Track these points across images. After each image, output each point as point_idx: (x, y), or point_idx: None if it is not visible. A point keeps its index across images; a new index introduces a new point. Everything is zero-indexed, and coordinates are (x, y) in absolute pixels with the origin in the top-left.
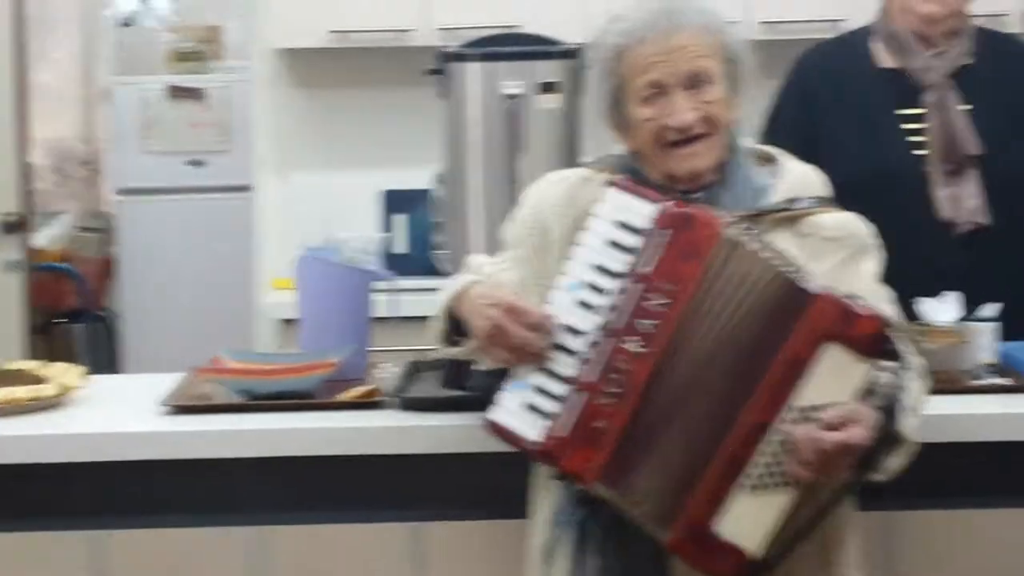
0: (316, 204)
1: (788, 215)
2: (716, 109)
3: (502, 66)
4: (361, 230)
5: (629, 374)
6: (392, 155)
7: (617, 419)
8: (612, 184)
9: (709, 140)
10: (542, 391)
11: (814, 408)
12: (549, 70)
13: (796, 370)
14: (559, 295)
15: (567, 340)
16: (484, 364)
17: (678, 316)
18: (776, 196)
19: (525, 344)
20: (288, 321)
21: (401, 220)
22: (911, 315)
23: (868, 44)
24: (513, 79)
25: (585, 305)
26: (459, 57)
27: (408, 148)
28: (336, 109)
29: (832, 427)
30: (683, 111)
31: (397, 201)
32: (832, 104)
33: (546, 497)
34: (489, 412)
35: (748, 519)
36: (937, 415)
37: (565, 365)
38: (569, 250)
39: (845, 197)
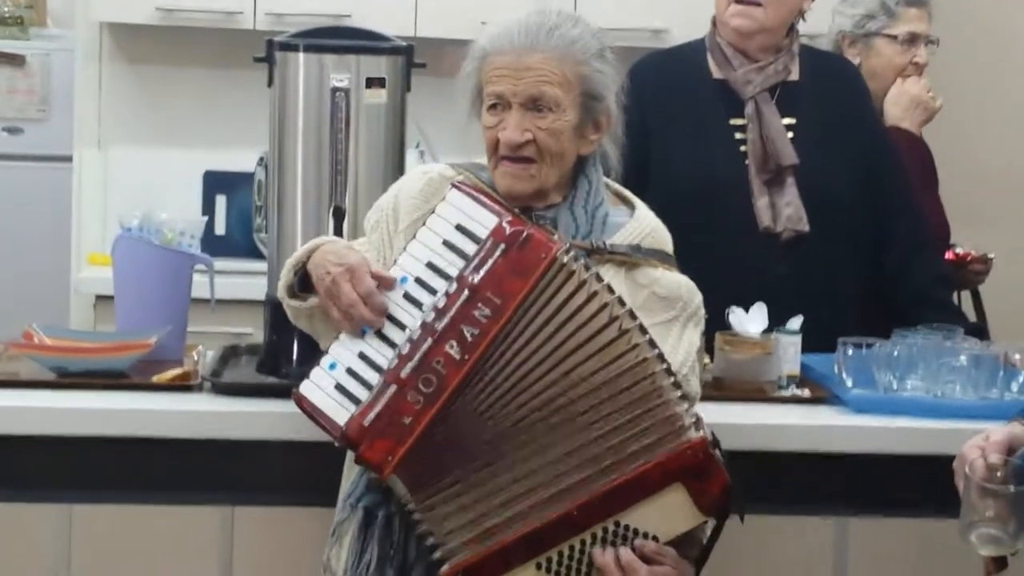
0: (136, 180)
1: (630, 260)
2: (549, 138)
3: (329, 58)
4: (181, 209)
5: (442, 377)
6: (215, 136)
7: (423, 417)
8: (455, 186)
9: (537, 166)
10: (355, 376)
11: (635, 532)
12: (377, 66)
13: (637, 493)
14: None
15: (389, 331)
16: (322, 336)
17: (498, 330)
18: (623, 237)
19: (351, 308)
20: (104, 297)
21: (222, 201)
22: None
23: (703, 56)
24: (340, 72)
25: (411, 300)
26: (286, 47)
27: (231, 130)
28: (160, 86)
29: (648, 560)
30: (514, 130)
31: (219, 182)
32: (665, 112)
33: (347, 480)
34: (302, 386)
35: None
36: (741, 424)
37: (382, 355)
38: (408, 244)
39: (675, 205)
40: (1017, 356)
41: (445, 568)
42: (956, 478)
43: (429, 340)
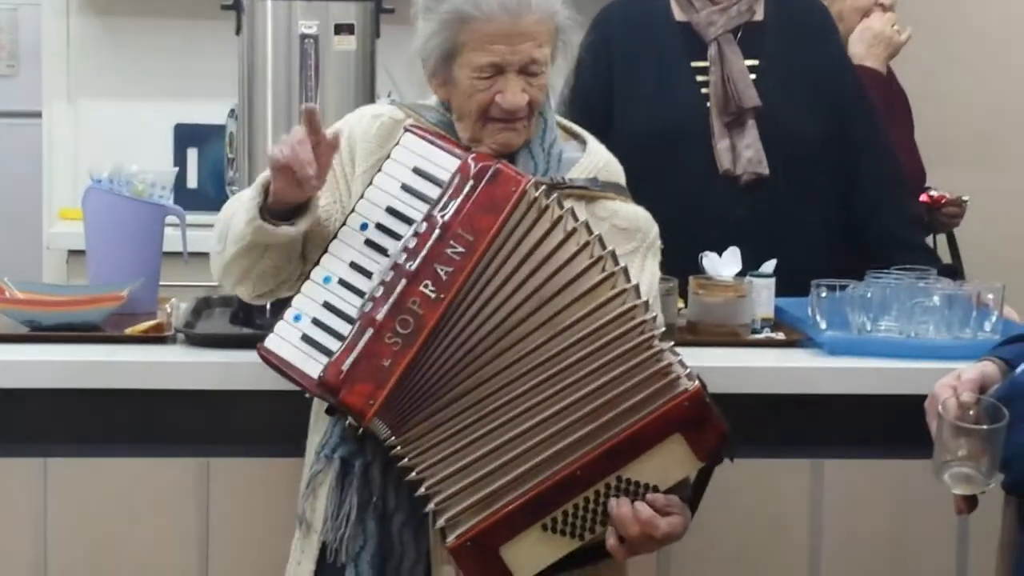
0: (106, 134)
1: (586, 193)
2: (540, 95)
3: (298, 5)
4: (153, 163)
5: (419, 317)
6: (186, 88)
7: (401, 358)
8: (408, 129)
9: (526, 120)
10: (322, 326)
11: (637, 484)
12: (345, 12)
13: (637, 447)
14: (348, 233)
15: (354, 279)
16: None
17: (471, 267)
18: (578, 172)
19: (291, 161)
20: (76, 252)
21: (194, 155)
22: (699, 269)
23: None
24: (308, 19)
25: (373, 245)
26: None
27: (202, 82)
28: (130, 38)
29: (660, 512)
30: (515, 95)
31: (189, 135)
32: (630, 55)
33: (315, 432)
34: (267, 341)
35: (531, 553)
36: (715, 367)
37: (348, 303)
38: (365, 190)
39: (638, 148)
40: (990, 296)
41: (451, 540)
42: (928, 418)
43: (403, 281)
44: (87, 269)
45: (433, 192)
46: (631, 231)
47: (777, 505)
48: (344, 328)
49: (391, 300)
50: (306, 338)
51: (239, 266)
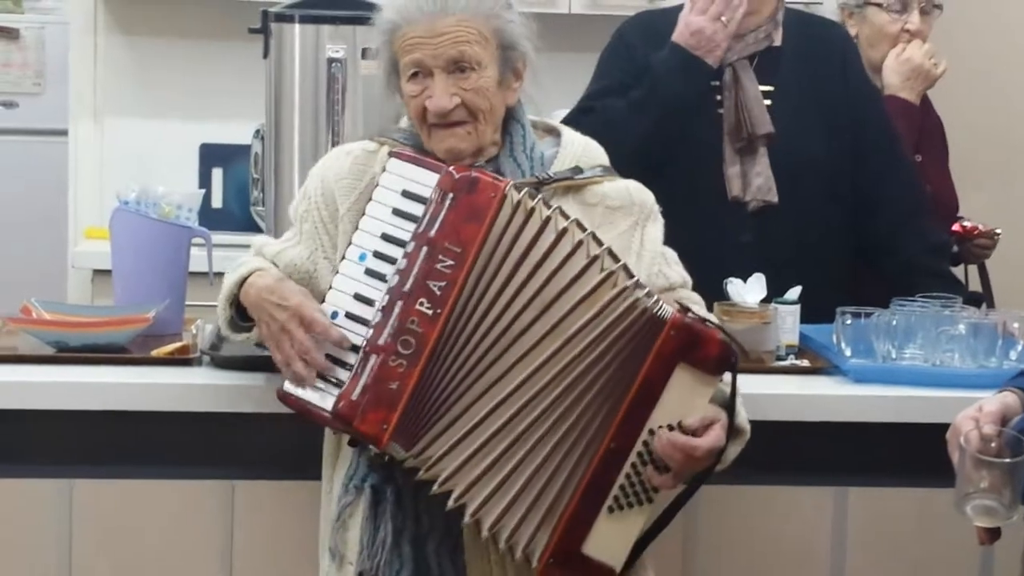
0: (132, 153)
1: (572, 184)
2: (478, 97)
3: (325, 29)
4: (178, 183)
5: (419, 336)
6: (211, 108)
7: (408, 379)
8: (393, 155)
9: (471, 125)
10: (335, 361)
11: (669, 428)
12: (372, 36)
13: (651, 395)
14: (349, 266)
15: (359, 310)
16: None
17: (464, 277)
18: (560, 166)
19: (304, 353)
20: (101, 271)
21: (218, 175)
22: (713, 288)
23: None
24: (336, 43)
25: (373, 274)
26: (282, 18)
27: (227, 102)
28: (156, 58)
29: (696, 434)
30: (441, 96)
31: (215, 155)
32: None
33: (338, 464)
34: (286, 384)
35: (612, 537)
36: (741, 393)
37: (358, 335)
38: (358, 222)
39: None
40: (1015, 325)
41: (536, 566)
42: (950, 449)
43: (400, 303)
44: (113, 290)
45: (419, 211)
46: (626, 207)
47: (801, 533)
48: (352, 359)
49: (391, 323)
50: (320, 375)
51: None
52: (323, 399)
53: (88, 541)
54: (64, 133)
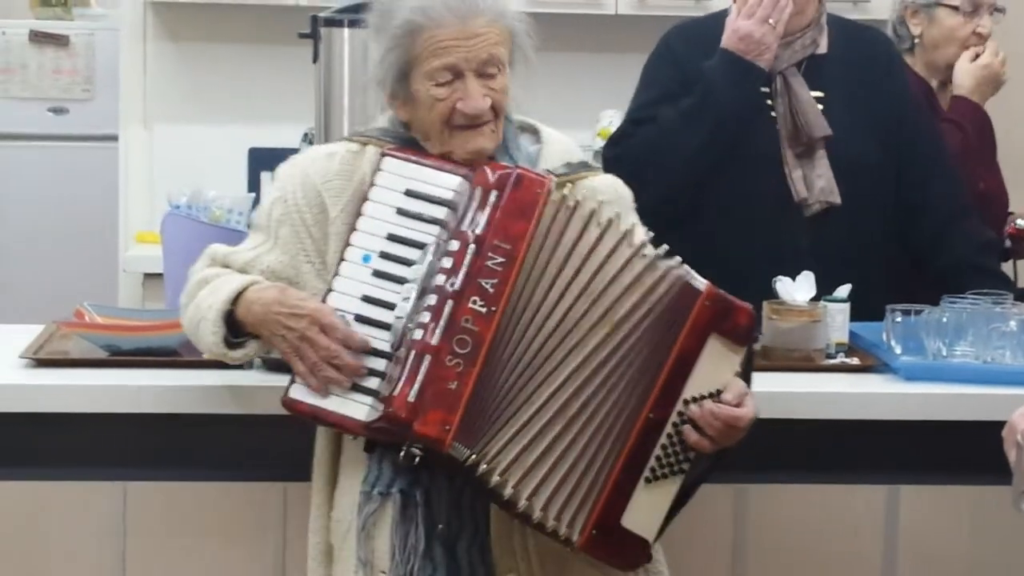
0: (182, 158)
1: (571, 179)
2: (502, 96)
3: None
4: (227, 187)
5: (475, 334)
6: (260, 113)
7: (468, 378)
8: (387, 154)
9: (493, 124)
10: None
11: (702, 398)
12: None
13: (686, 366)
14: (351, 268)
15: (372, 312)
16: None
17: (515, 275)
18: (545, 162)
19: (334, 358)
20: (152, 275)
21: (267, 178)
22: (767, 293)
23: None
24: None
25: (383, 275)
26: (331, 22)
27: (276, 106)
28: (205, 64)
29: (738, 406)
30: (476, 98)
31: (264, 159)
32: (699, 75)
33: (348, 472)
34: (291, 391)
35: (646, 509)
36: (790, 392)
37: (376, 338)
38: (355, 222)
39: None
40: None
41: (577, 539)
42: (1007, 447)
43: (450, 302)
44: (164, 294)
45: (433, 210)
46: (614, 200)
47: (852, 531)
48: (374, 363)
49: (442, 323)
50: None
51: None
52: (344, 406)
53: (142, 544)
54: (113, 139)
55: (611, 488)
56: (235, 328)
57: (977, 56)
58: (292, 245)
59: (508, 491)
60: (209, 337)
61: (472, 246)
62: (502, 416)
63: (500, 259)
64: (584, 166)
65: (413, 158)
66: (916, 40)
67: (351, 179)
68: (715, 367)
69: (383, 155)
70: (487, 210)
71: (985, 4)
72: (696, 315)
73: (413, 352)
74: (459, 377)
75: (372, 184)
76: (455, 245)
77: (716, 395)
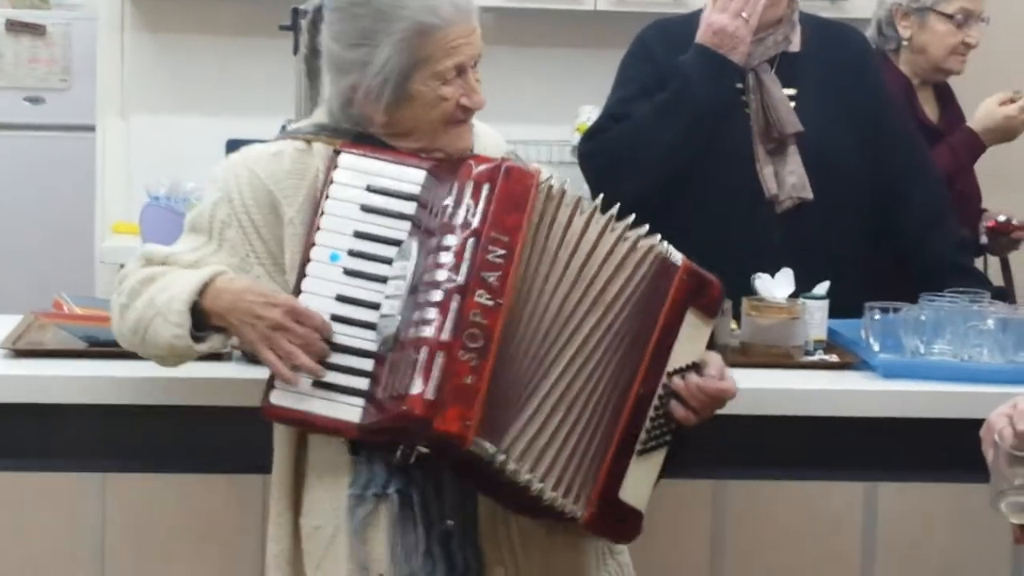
0: (159, 149)
1: None
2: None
3: None
4: (204, 177)
5: (485, 327)
6: (238, 104)
7: (483, 372)
8: (341, 151)
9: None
10: (335, 367)
11: (683, 370)
12: None
13: (669, 339)
14: (318, 267)
15: (348, 311)
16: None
17: (515, 267)
18: (491, 150)
19: (309, 346)
20: None
21: None
22: (742, 288)
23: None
24: None
25: (355, 273)
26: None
27: (254, 97)
28: (183, 54)
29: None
30: (479, 92)
31: None
32: (674, 72)
33: (324, 476)
34: (272, 397)
35: (639, 481)
36: (768, 389)
37: (357, 337)
38: (317, 221)
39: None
40: None
41: (581, 514)
42: (984, 446)
43: (457, 297)
44: None
45: (399, 205)
46: None
47: (830, 528)
48: (360, 363)
49: (451, 318)
50: (321, 384)
51: (146, 354)
52: (334, 409)
53: (121, 535)
54: (90, 129)
55: (610, 462)
56: (197, 321)
57: (1011, 101)
58: (241, 247)
59: (524, 477)
60: (171, 330)
61: (472, 240)
62: (514, 407)
63: (500, 251)
64: (515, 158)
65: (370, 154)
66: (904, 42)
67: (304, 178)
68: (691, 340)
69: (337, 152)
70: (481, 203)
71: (975, 14)
72: (676, 290)
73: (424, 349)
74: (473, 372)
75: (331, 181)
76: (451, 240)
77: (693, 367)
